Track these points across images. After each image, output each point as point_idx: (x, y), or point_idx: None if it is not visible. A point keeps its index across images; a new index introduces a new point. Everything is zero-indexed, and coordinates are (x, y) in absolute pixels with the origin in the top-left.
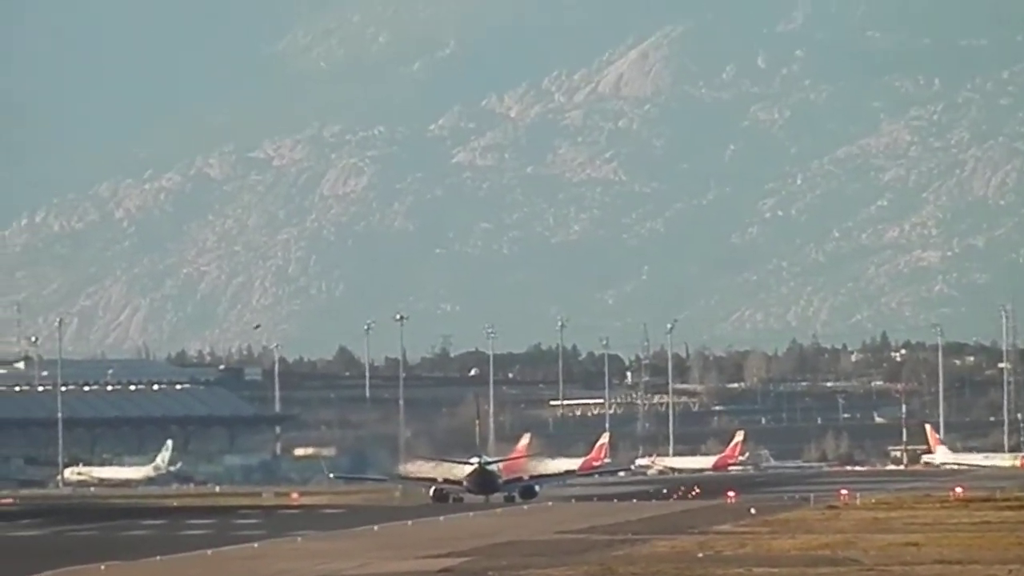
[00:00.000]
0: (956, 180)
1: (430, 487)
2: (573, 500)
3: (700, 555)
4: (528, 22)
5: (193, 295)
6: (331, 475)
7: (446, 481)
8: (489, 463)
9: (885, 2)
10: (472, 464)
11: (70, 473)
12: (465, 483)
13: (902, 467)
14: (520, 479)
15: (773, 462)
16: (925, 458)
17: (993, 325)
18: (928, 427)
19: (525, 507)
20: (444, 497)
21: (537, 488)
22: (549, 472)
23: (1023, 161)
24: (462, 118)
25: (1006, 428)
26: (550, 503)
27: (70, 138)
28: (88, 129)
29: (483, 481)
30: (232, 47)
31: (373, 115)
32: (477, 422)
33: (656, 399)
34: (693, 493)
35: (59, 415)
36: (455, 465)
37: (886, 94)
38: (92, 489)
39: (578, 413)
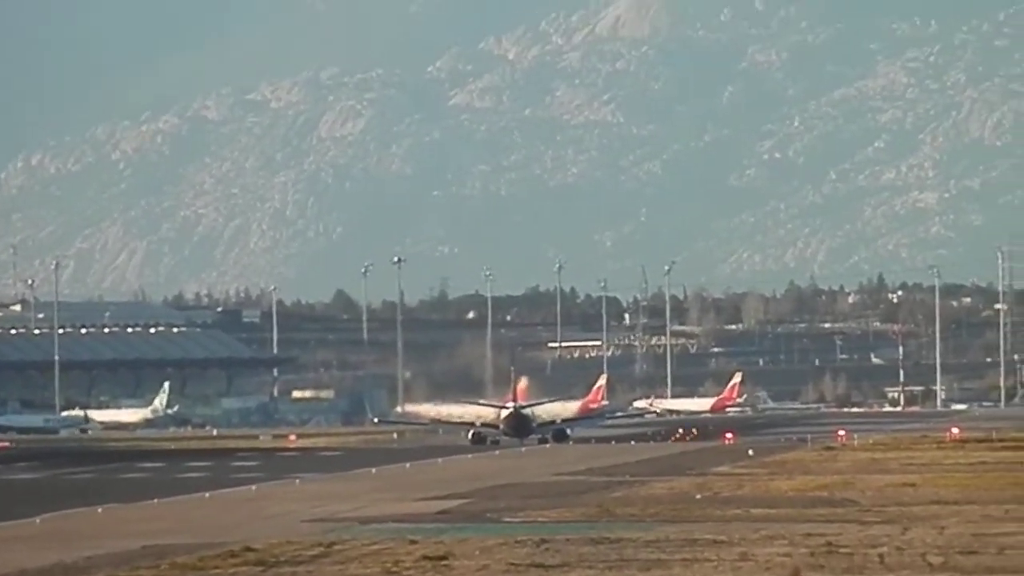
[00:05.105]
0: (952, 122)
1: (468, 430)
2: (571, 443)
3: (698, 496)
4: None
5: (190, 238)
6: (375, 420)
7: (484, 425)
8: (524, 407)
9: None
10: (508, 408)
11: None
12: (502, 426)
13: (899, 408)
14: (552, 423)
15: (771, 403)
16: None
17: (989, 266)
18: None
19: (523, 450)
20: (482, 439)
21: (569, 431)
22: (551, 415)
23: (1019, 102)
24: (460, 60)
25: (1002, 370)
26: (547, 445)
27: (66, 80)
28: (85, 71)
29: (519, 424)
30: None
31: (370, 57)
32: (512, 369)
33: (654, 341)
34: (691, 435)
35: (56, 358)
36: (491, 409)
37: (883, 36)
38: (89, 432)
39: (576, 355)
